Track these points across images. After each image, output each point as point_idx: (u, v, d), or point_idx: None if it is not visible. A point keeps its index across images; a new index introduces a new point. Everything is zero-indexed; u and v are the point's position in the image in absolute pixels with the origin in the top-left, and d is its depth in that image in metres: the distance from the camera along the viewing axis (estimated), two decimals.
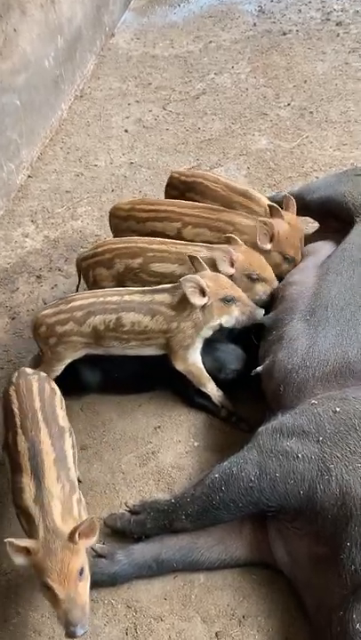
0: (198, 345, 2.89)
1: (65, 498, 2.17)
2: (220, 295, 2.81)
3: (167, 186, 3.66)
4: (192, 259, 2.89)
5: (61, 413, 2.48)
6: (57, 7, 5.04)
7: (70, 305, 2.88)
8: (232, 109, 5.13)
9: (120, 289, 2.97)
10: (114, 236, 3.50)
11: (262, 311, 2.89)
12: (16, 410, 2.41)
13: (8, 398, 2.49)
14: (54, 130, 5.11)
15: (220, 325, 2.87)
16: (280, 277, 3.09)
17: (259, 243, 3.05)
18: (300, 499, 2.13)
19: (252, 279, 2.99)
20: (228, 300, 2.82)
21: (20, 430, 2.33)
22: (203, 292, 2.77)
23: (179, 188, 3.56)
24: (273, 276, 3.04)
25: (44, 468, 2.20)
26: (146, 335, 2.86)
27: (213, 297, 2.79)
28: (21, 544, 2.00)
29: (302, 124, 4.84)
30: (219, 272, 2.91)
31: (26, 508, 2.14)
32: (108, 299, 2.87)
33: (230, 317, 2.85)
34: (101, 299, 2.88)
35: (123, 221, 3.42)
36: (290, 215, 3.20)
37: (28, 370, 2.64)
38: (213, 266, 2.93)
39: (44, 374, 2.66)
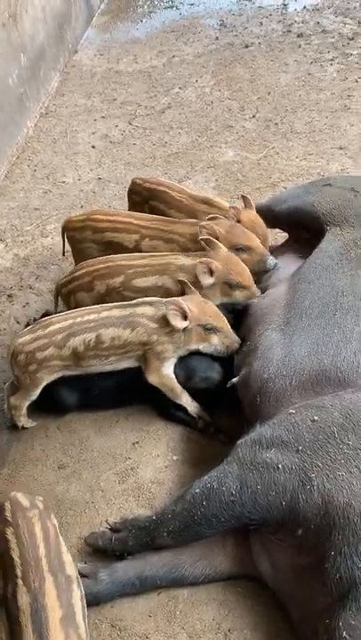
0: (173, 360, 2.90)
1: None
2: (202, 322, 2.82)
3: (130, 192, 3.66)
4: (182, 283, 2.91)
5: (68, 559, 2.07)
6: (19, 25, 5.03)
7: (49, 329, 2.85)
8: (198, 123, 5.16)
9: (96, 306, 2.95)
10: (73, 252, 3.49)
11: (239, 342, 2.90)
12: (17, 558, 2.00)
13: (6, 543, 2.05)
14: (21, 148, 5.09)
15: (198, 350, 2.89)
16: (254, 273, 3.10)
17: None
18: (282, 510, 2.13)
19: (231, 286, 3.00)
20: (208, 329, 2.83)
21: (20, 582, 1.95)
22: (185, 316, 2.77)
23: (142, 194, 3.56)
24: (252, 281, 3.05)
25: (50, 629, 1.85)
26: (125, 349, 2.86)
27: (194, 322, 2.80)
28: None
29: (268, 136, 4.88)
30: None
31: None
32: (86, 318, 2.86)
33: (209, 345, 2.88)
34: (79, 319, 2.86)
35: (78, 232, 3.39)
36: (249, 212, 3.26)
37: (22, 499, 2.18)
38: (195, 274, 2.95)
39: (42, 504, 2.20)
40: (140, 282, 3.05)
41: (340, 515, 2.00)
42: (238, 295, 3.03)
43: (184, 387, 2.93)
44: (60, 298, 3.28)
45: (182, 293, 2.94)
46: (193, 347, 2.87)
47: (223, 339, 2.87)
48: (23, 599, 1.89)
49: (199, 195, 3.52)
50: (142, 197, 3.56)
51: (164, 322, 2.80)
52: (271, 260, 3.14)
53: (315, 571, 2.03)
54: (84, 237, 3.37)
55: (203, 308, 2.85)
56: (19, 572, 1.95)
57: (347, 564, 1.95)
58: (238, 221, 3.20)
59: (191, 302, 2.82)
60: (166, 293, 3.00)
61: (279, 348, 2.61)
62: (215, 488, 2.23)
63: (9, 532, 2.05)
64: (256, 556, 2.31)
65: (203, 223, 3.11)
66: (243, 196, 3.36)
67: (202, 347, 2.88)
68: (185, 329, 2.80)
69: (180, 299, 2.81)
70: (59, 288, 3.25)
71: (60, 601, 1.90)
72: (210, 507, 2.22)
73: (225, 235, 3.08)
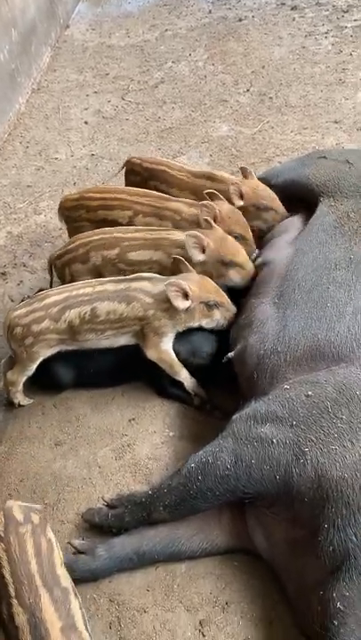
0: (172, 335, 2.89)
1: None
2: (204, 299, 2.82)
3: (127, 172, 3.63)
4: (177, 260, 2.89)
5: (63, 572, 2.05)
6: (9, 0, 4.96)
7: (44, 302, 2.85)
8: (191, 97, 5.12)
9: (91, 280, 2.96)
10: (67, 229, 3.47)
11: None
12: (8, 577, 1.96)
13: None
14: (12, 124, 5.04)
15: (200, 326, 2.89)
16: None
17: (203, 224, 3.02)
18: (276, 484, 2.14)
19: (225, 264, 2.99)
20: (210, 305, 2.83)
21: (15, 601, 1.91)
22: (186, 296, 2.77)
23: (141, 174, 3.53)
24: (248, 261, 3.03)
25: (51, 637, 1.83)
26: (121, 323, 2.85)
27: (196, 301, 2.80)
28: None
29: (263, 110, 4.84)
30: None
31: None
32: (82, 291, 2.86)
33: (211, 321, 2.89)
34: (75, 292, 2.86)
35: (73, 211, 3.38)
36: (250, 182, 3.26)
37: (17, 512, 2.13)
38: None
39: (37, 517, 2.15)
40: (135, 255, 3.04)
41: (334, 488, 2.01)
42: (233, 275, 3.01)
43: (185, 363, 2.93)
44: (54, 271, 3.27)
45: (174, 272, 2.93)
46: (195, 324, 2.87)
47: (225, 312, 2.88)
48: (20, 618, 1.87)
49: (200, 170, 3.50)
50: (141, 177, 3.53)
51: (163, 298, 2.79)
52: (254, 255, 3.13)
53: (308, 543, 2.05)
54: (78, 216, 3.35)
55: (203, 284, 2.85)
56: (12, 592, 1.93)
57: (340, 536, 1.97)
58: (241, 196, 3.19)
59: (191, 281, 2.81)
60: (161, 268, 2.99)
61: (274, 322, 2.60)
62: (210, 462, 2.25)
63: (0, 549, 2.02)
64: (251, 530, 2.33)
65: (204, 202, 3.08)
66: (241, 168, 3.34)
67: (205, 323, 2.88)
68: (187, 308, 2.80)
69: (179, 278, 2.79)
70: (53, 260, 3.24)
71: (59, 613, 1.89)
72: (205, 481, 2.24)
73: (224, 218, 3.07)
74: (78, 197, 3.38)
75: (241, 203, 3.19)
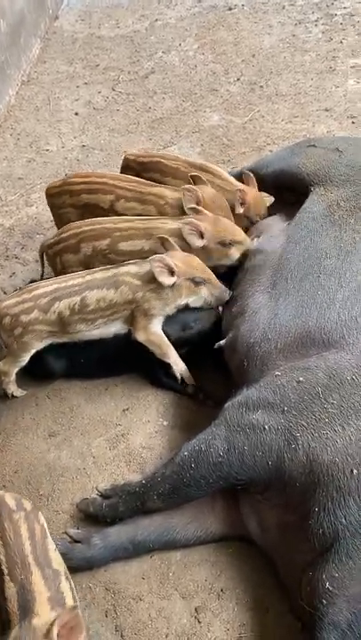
0: (161, 318, 2.90)
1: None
2: (189, 275, 2.82)
3: (123, 168, 3.63)
4: (162, 239, 2.88)
5: (55, 556, 2.08)
6: None
7: (34, 293, 2.86)
8: (182, 87, 5.10)
9: (81, 272, 2.96)
10: (54, 217, 3.48)
11: (229, 293, 2.90)
12: (2, 557, 2.01)
13: None
14: (3, 116, 5.02)
15: (187, 305, 2.88)
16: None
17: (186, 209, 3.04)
18: (268, 470, 2.15)
19: (226, 245, 3.00)
20: (197, 282, 2.83)
21: (7, 578, 1.95)
22: (171, 272, 2.77)
23: (136, 169, 3.53)
24: (245, 235, 3.06)
25: (36, 604, 1.86)
26: (112, 310, 2.86)
27: (182, 277, 2.80)
28: None
29: (253, 99, 4.83)
30: (188, 244, 2.93)
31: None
32: (71, 282, 2.86)
33: (198, 298, 2.88)
34: (64, 283, 2.87)
35: (57, 198, 3.38)
36: (251, 190, 3.26)
37: (9, 499, 2.17)
38: (182, 237, 2.94)
39: (29, 506, 2.19)
40: (126, 245, 3.03)
41: (325, 472, 2.03)
42: (235, 252, 3.02)
43: (176, 344, 2.93)
44: (46, 260, 3.27)
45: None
46: (182, 301, 2.86)
47: (212, 289, 2.88)
48: (10, 590, 1.90)
49: (195, 161, 3.50)
50: (136, 172, 3.52)
51: (149, 278, 2.80)
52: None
53: (299, 527, 2.07)
54: (62, 202, 3.36)
55: (188, 261, 2.84)
56: (4, 569, 1.97)
57: (330, 518, 1.99)
58: (243, 203, 3.20)
59: (175, 258, 2.80)
60: None
61: (265, 311, 2.61)
62: (203, 450, 2.26)
63: None
64: (245, 517, 2.34)
65: (187, 186, 3.08)
66: (243, 173, 3.34)
67: (191, 300, 2.87)
68: (173, 284, 2.80)
69: (163, 255, 2.79)
70: (45, 249, 3.24)
71: (48, 586, 1.91)
72: (198, 468, 2.25)
73: (208, 203, 3.07)
74: (61, 184, 3.39)
75: (241, 210, 3.20)
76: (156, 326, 2.89)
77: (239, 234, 3.03)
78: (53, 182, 3.48)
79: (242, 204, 3.20)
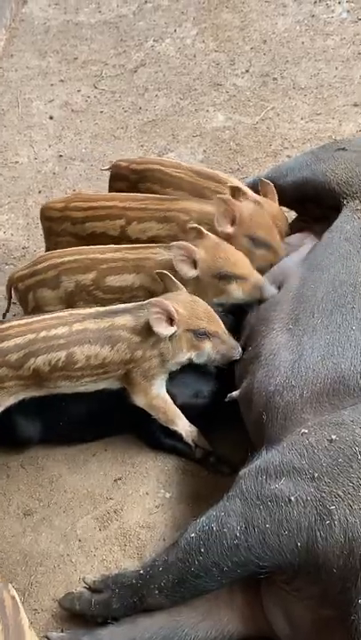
0: (164, 377, 2.91)
1: None
2: (192, 327, 2.81)
3: (112, 178, 3.68)
4: (162, 276, 2.89)
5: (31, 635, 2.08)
6: None
7: (1, 345, 2.84)
8: (179, 82, 5.18)
9: (65, 315, 2.92)
10: (46, 242, 3.51)
11: (239, 352, 2.89)
12: None
13: None
14: None
15: (190, 360, 2.88)
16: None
17: (217, 225, 3.06)
18: (297, 552, 2.12)
19: (223, 278, 2.99)
20: (200, 334, 2.82)
21: None
22: (171, 320, 2.76)
23: (129, 178, 3.58)
24: (253, 270, 3.03)
25: None
26: (104, 369, 2.86)
27: (183, 327, 2.79)
28: None
29: (266, 94, 4.90)
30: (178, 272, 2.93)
31: None
32: (53, 332, 2.83)
33: (201, 353, 2.87)
34: (43, 333, 2.83)
35: (57, 223, 3.43)
36: (271, 205, 3.26)
37: None
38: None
39: None
40: (114, 280, 3.06)
41: None
42: (235, 290, 3.01)
43: (190, 409, 2.95)
44: (14, 295, 3.29)
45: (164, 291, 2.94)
46: (184, 357, 2.86)
47: (219, 345, 2.86)
48: None
49: (204, 169, 3.56)
50: (130, 182, 3.57)
51: (148, 331, 2.79)
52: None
53: (339, 624, 2.04)
54: (62, 230, 3.41)
55: (192, 308, 2.83)
56: None
57: None
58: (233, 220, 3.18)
59: (177, 302, 2.80)
60: (148, 295, 2.97)
61: (287, 352, 2.62)
62: (215, 531, 2.23)
63: None
64: (270, 613, 2.32)
65: (223, 196, 3.09)
66: (261, 181, 3.35)
67: (193, 356, 2.87)
68: (172, 336, 2.80)
69: (163, 298, 2.79)
70: (14, 281, 3.25)
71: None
72: (209, 554, 2.22)
73: (245, 219, 3.10)
74: (63, 207, 3.43)
75: (228, 229, 3.13)
76: (159, 388, 2.90)
77: (241, 266, 3.01)
78: (53, 203, 3.53)
79: (232, 222, 3.13)
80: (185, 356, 2.86)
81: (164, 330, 2.77)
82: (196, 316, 2.83)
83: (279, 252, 3.15)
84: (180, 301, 2.82)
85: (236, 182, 3.39)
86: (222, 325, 2.89)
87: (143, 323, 2.81)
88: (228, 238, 3.07)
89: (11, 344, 2.83)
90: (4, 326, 2.94)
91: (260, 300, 3.00)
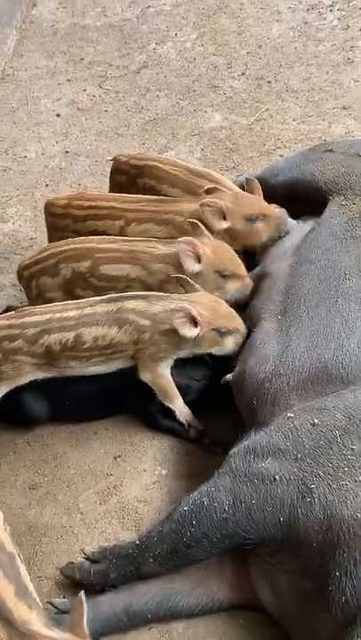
0: (170, 361, 2.93)
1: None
2: (215, 326, 2.83)
3: (113, 171, 3.69)
4: (179, 279, 2.91)
5: (5, 537, 2.19)
6: None
7: (22, 320, 2.88)
8: (179, 83, 5.17)
9: (81, 301, 2.97)
10: (49, 237, 3.53)
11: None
12: None
13: None
14: None
15: (211, 353, 2.92)
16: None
17: (184, 266, 2.99)
18: (280, 527, 2.17)
19: (224, 276, 3.02)
20: (222, 333, 2.85)
21: None
22: (195, 323, 2.78)
23: (128, 173, 3.58)
24: (245, 272, 3.07)
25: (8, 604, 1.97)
26: (112, 349, 2.88)
27: (206, 327, 2.81)
28: None
29: (260, 96, 4.89)
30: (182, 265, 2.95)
31: None
32: (66, 314, 2.87)
33: (223, 348, 2.90)
34: (58, 314, 2.88)
35: (59, 220, 3.45)
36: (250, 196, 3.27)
37: None
38: (175, 263, 2.98)
39: None
40: (108, 269, 3.08)
41: (345, 529, 2.04)
42: (231, 288, 3.05)
43: (188, 389, 2.99)
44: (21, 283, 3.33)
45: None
46: (202, 351, 2.91)
47: (239, 339, 2.89)
48: None
49: (199, 168, 3.56)
50: (129, 176, 3.58)
51: (160, 318, 2.82)
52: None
53: (318, 595, 2.08)
54: (64, 225, 3.43)
55: (215, 308, 2.86)
56: None
57: (353, 584, 2.00)
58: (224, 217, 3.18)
59: (201, 305, 2.82)
60: (144, 288, 3.02)
61: (275, 342, 2.65)
62: (206, 504, 2.27)
63: None
64: (256, 583, 2.36)
65: (204, 200, 3.10)
66: (247, 179, 3.37)
67: (215, 350, 2.90)
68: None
69: (187, 303, 2.80)
70: (20, 271, 3.28)
71: (9, 578, 2.01)
72: (200, 526, 2.26)
73: (233, 208, 3.11)
74: (66, 204, 3.44)
75: (223, 226, 3.15)
76: (164, 369, 2.92)
77: (241, 269, 3.05)
78: (57, 199, 3.54)
79: (224, 217, 3.12)
80: (205, 350, 2.90)
81: (188, 332, 2.78)
82: (219, 315, 2.85)
83: (275, 214, 3.16)
84: (203, 303, 2.84)
85: (228, 183, 3.41)
86: (241, 320, 2.91)
87: (156, 311, 2.83)
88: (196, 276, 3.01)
89: (32, 319, 2.88)
90: (34, 307, 2.99)
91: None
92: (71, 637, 1.90)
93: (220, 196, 3.16)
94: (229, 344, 2.88)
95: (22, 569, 2.10)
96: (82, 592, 2.00)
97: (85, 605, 1.95)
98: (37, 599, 2.05)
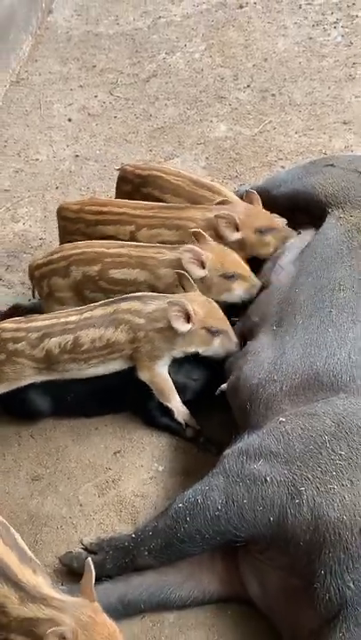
0: (167, 359, 2.96)
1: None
2: (207, 325, 2.88)
3: (119, 180, 3.71)
4: (180, 277, 2.94)
5: None
6: None
7: (29, 325, 2.93)
8: (187, 93, 5.18)
9: (83, 307, 3.02)
10: (60, 240, 3.55)
11: (237, 345, 2.96)
12: None
13: None
14: None
15: (197, 353, 2.95)
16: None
17: (190, 272, 3.01)
18: (270, 526, 2.20)
19: (228, 278, 3.06)
20: (212, 332, 2.89)
21: None
22: (188, 318, 2.82)
23: (133, 182, 3.61)
24: (250, 271, 3.11)
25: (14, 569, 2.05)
26: (108, 349, 2.91)
27: (198, 325, 2.85)
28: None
29: (264, 108, 4.90)
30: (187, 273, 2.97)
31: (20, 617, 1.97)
32: (69, 319, 2.93)
33: (209, 348, 2.94)
34: (63, 319, 2.93)
35: (71, 224, 3.47)
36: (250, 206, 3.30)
37: None
38: (180, 268, 2.99)
39: None
40: (117, 273, 3.11)
41: (331, 530, 2.07)
42: (238, 288, 3.08)
43: (185, 389, 3.02)
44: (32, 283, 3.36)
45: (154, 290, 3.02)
46: (191, 349, 2.93)
47: (226, 342, 2.93)
48: None
49: (202, 179, 3.58)
50: (133, 185, 3.60)
51: (155, 317, 2.86)
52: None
53: (304, 592, 2.11)
54: (76, 229, 3.44)
55: (208, 309, 2.90)
56: None
57: (337, 582, 2.03)
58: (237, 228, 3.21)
59: (195, 302, 2.86)
60: (151, 290, 3.05)
61: (270, 350, 2.67)
62: (199, 502, 2.30)
63: None
64: (246, 578, 2.39)
65: (219, 212, 3.14)
66: (247, 191, 3.39)
67: (202, 350, 2.93)
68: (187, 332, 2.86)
69: (183, 299, 2.85)
70: (32, 270, 3.31)
71: (9, 546, 2.09)
72: (194, 522, 2.29)
73: (245, 220, 3.15)
74: (78, 209, 3.46)
75: (235, 237, 3.18)
76: (162, 368, 2.95)
77: (245, 269, 3.09)
78: (69, 204, 3.56)
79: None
80: (193, 348, 2.93)
81: (181, 326, 2.82)
82: (212, 315, 2.90)
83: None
84: (198, 302, 2.88)
85: (229, 194, 3.44)
86: (230, 325, 2.96)
87: (151, 309, 2.87)
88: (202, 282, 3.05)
89: (36, 324, 2.94)
90: (42, 315, 3.07)
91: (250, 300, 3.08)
92: (81, 599, 1.96)
93: (233, 209, 3.20)
94: (218, 345, 2.92)
95: (17, 536, 2.18)
96: (89, 558, 2.06)
97: (93, 571, 2.00)
98: (39, 563, 2.15)
